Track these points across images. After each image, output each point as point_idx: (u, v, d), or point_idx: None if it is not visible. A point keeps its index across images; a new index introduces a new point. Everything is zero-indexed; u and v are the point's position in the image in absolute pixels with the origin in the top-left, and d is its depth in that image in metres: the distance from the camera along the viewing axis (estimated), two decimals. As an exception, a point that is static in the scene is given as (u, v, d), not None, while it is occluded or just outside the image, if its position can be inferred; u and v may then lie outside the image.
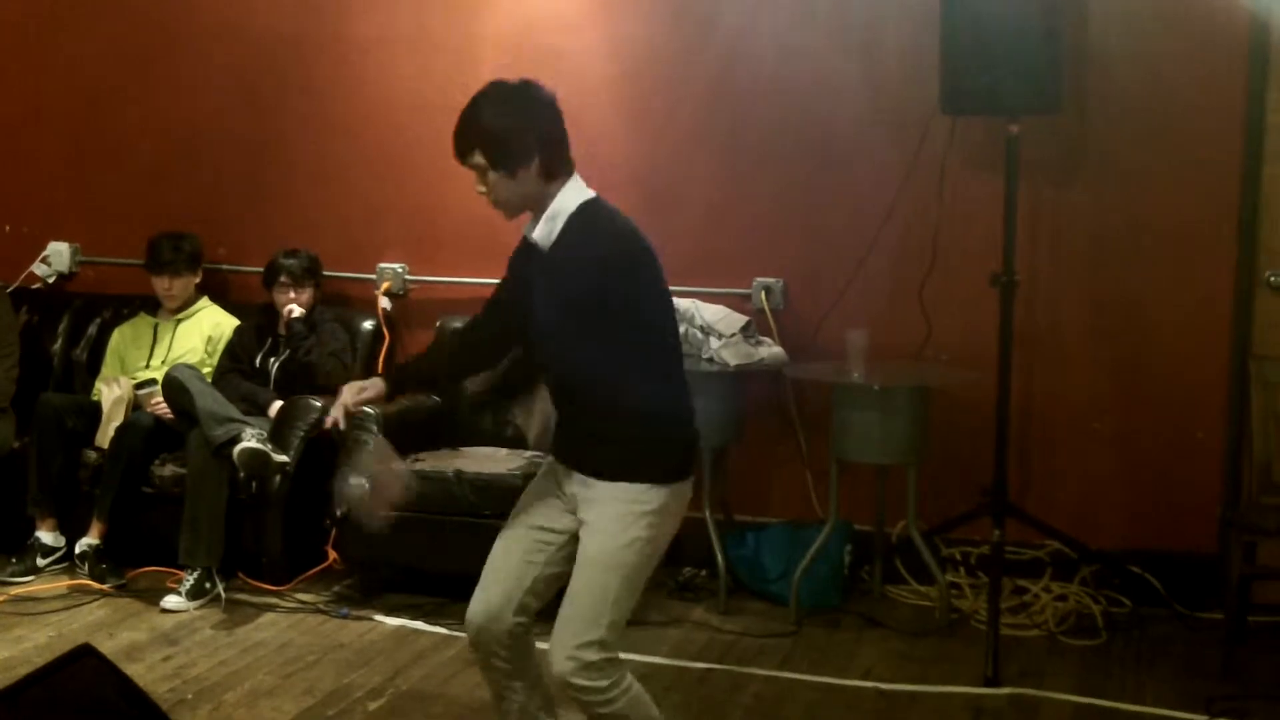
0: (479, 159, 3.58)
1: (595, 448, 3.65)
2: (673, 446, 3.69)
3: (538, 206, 3.63)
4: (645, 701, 3.69)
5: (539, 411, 3.94)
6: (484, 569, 3.80)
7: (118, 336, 6.63)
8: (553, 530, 3.73)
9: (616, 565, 3.59)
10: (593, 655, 3.57)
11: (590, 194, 3.65)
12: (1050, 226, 5.87)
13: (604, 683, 3.58)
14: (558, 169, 3.62)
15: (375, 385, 3.84)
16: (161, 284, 6.51)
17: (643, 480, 3.60)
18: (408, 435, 6.00)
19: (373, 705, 4.77)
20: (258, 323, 6.47)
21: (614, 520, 3.59)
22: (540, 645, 3.79)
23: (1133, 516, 5.87)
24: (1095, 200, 5.85)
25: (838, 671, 5.11)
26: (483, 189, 3.61)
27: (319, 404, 6.04)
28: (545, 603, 3.78)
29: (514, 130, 3.56)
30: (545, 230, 3.62)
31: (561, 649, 3.58)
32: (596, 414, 3.65)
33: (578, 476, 3.67)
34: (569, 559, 3.70)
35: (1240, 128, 5.68)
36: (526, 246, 3.72)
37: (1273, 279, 5.69)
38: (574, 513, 3.69)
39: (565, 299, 3.56)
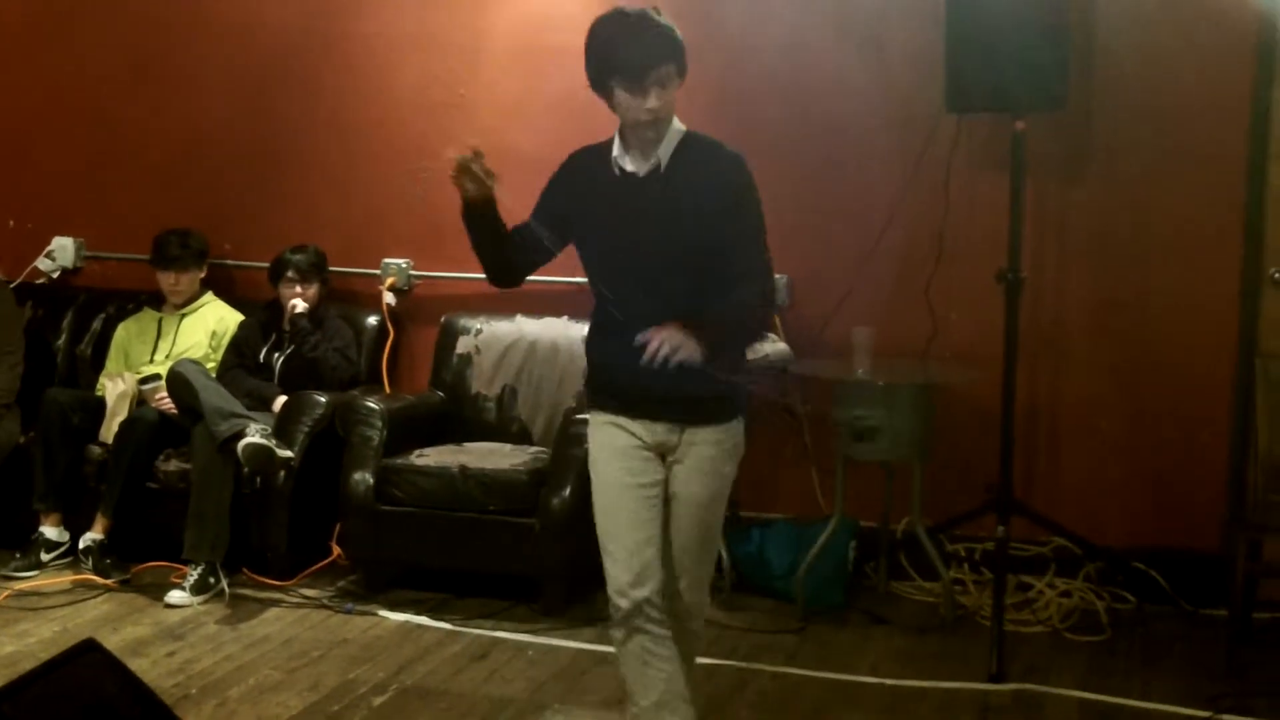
0: (671, 68, 3.64)
1: (702, 390, 3.66)
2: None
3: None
4: None
5: None
6: (612, 541, 3.78)
7: (122, 332, 6.63)
8: (655, 483, 3.79)
9: (720, 501, 3.86)
10: (707, 575, 3.93)
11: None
12: (1056, 224, 5.86)
13: (707, 600, 3.96)
14: None
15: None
16: (167, 279, 6.51)
17: (731, 419, 3.81)
18: (411, 430, 6.01)
19: (377, 701, 4.77)
20: (262, 318, 6.46)
21: (714, 461, 3.79)
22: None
23: (1138, 513, 5.86)
24: (1101, 197, 5.84)
25: (843, 668, 5.10)
26: (655, 104, 3.63)
27: (323, 400, 6.05)
28: None
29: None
30: (665, 150, 3.70)
31: (699, 585, 3.87)
32: None
33: (662, 425, 3.76)
34: (662, 498, 3.82)
35: (1246, 125, 5.67)
36: (600, 173, 3.76)
37: (1278, 276, 5.68)
38: (663, 459, 3.80)
39: (685, 221, 3.65)
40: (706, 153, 3.74)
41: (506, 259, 3.86)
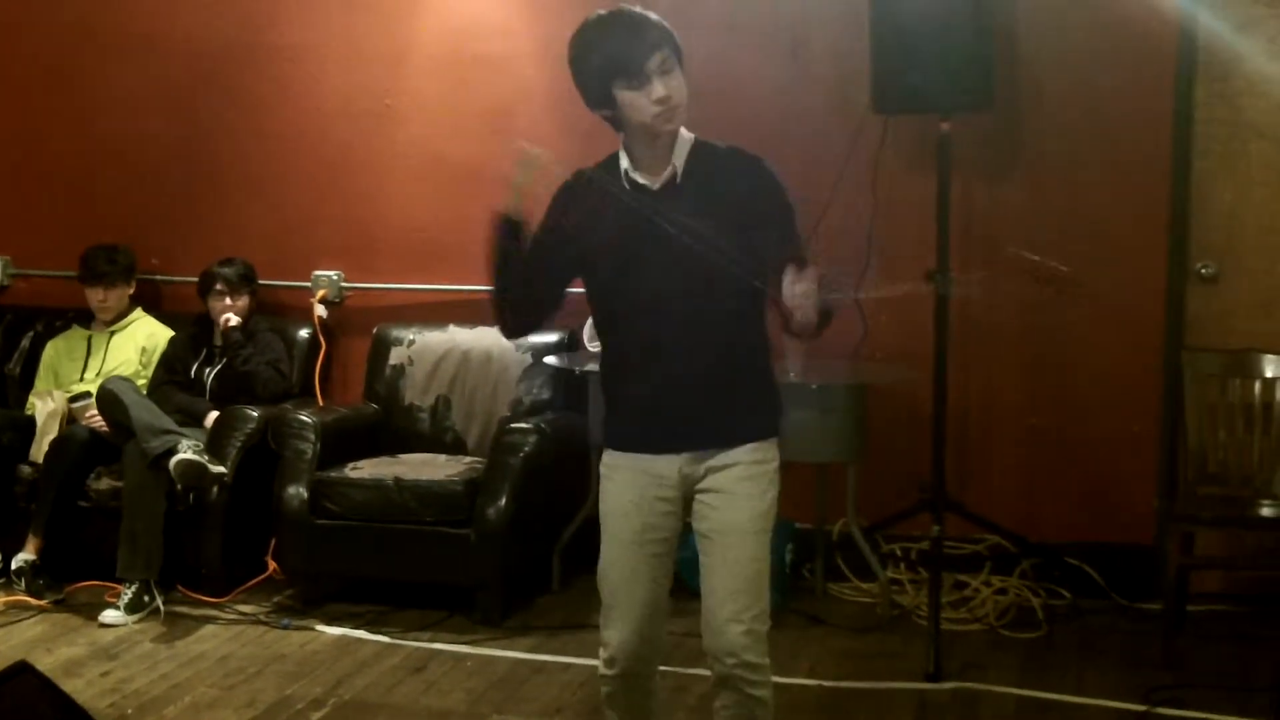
0: (667, 52, 3.33)
1: (732, 409, 3.47)
2: (780, 395, 3.60)
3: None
4: None
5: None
6: (613, 601, 3.56)
7: (51, 350, 6.57)
8: (664, 539, 3.55)
9: (764, 529, 3.48)
10: (763, 626, 3.45)
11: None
12: (984, 223, 5.90)
13: (767, 660, 3.47)
14: None
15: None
16: (96, 295, 6.45)
17: (771, 435, 3.51)
18: (345, 443, 5.99)
19: (315, 716, 4.74)
20: (192, 333, 6.42)
21: (756, 483, 3.46)
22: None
23: (1071, 509, 5.91)
24: (1029, 197, 5.89)
25: (782, 670, 5.07)
26: (663, 93, 3.30)
27: (255, 414, 6.01)
28: None
29: None
30: (678, 158, 3.42)
31: (737, 624, 3.42)
32: (733, 366, 3.47)
33: (689, 455, 3.47)
34: (675, 551, 3.60)
35: (1169, 124, 5.74)
36: (609, 190, 3.42)
37: (1204, 270, 5.75)
38: (684, 495, 3.52)
39: (710, 235, 3.29)
40: (723, 159, 3.45)
41: (538, 295, 3.54)
